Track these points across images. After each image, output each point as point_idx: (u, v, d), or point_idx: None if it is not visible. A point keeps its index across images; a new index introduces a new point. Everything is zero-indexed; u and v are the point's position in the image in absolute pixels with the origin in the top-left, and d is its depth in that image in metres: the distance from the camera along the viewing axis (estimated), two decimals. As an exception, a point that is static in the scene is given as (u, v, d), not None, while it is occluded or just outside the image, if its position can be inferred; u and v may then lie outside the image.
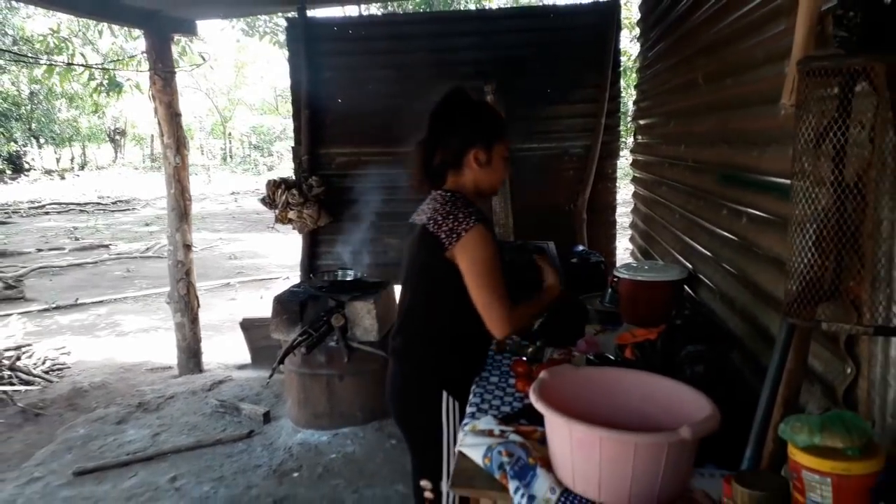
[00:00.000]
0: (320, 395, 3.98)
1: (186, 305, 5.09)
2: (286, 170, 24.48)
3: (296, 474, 3.58)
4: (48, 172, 29.46)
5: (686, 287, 2.73)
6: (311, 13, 4.88)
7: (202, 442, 3.93)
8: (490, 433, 1.79)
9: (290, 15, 4.99)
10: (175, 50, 5.20)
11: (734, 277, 2.22)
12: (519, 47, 4.57)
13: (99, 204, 19.04)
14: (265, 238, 13.16)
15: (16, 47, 23.26)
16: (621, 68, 4.73)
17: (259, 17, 14.58)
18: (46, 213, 17.37)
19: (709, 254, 2.53)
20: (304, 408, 4.04)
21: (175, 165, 4.88)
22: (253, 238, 13.28)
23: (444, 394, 2.00)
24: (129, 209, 18.15)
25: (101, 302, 8.00)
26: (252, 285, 8.92)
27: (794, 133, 1.22)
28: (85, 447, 3.97)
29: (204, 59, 5.91)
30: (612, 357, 2.19)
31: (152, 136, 36.81)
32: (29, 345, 5.49)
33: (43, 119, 28.87)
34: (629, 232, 4.72)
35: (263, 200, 4.76)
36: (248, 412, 4.27)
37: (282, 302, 4.09)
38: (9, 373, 4.90)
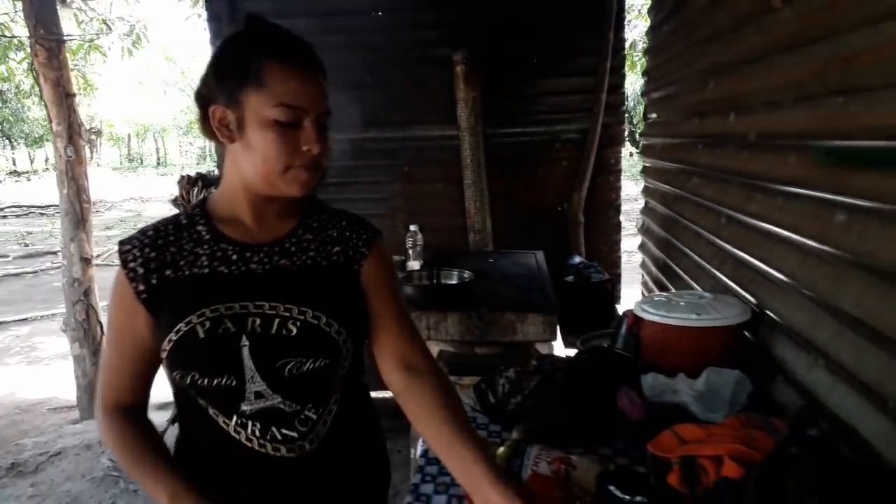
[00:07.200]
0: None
1: (87, 333, 4.08)
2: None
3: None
4: (13, 173, 28.31)
5: (746, 333, 1.77)
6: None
7: (75, 527, 2.95)
8: None
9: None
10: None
11: (867, 335, 1.24)
12: (498, 5, 3.59)
13: (62, 207, 17.91)
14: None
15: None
16: (624, 32, 3.73)
17: None
18: (3, 217, 16.26)
19: (796, 285, 1.55)
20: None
21: (68, 159, 3.88)
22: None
23: None
24: (93, 212, 17.04)
25: (24, 320, 6.96)
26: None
27: None
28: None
29: (109, 27, 4.81)
30: (642, 472, 1.23)
31: (129, 135, 35.63)
32: None
33: (12, 119, 27.76)
34: (632, 235, 3.77)
35: (175, 201, 3.75)
36: (146, 477, 3.27)
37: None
38: None
